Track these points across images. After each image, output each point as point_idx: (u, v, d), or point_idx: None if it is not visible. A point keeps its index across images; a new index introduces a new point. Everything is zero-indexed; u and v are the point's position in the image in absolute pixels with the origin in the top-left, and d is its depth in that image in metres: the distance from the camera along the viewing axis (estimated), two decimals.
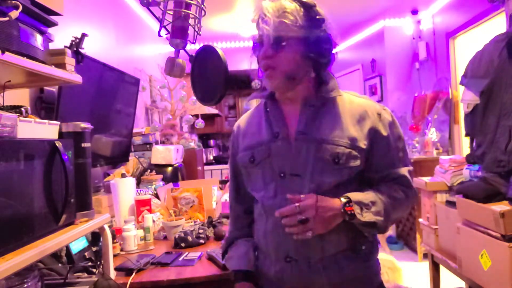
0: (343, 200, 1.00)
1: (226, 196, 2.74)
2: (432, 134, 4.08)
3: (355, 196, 1.01)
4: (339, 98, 1.09)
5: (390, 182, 1.08)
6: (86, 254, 1.52)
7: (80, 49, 1.30)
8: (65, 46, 1.23)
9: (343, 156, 1.02)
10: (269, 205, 1.07)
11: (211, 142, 6.95)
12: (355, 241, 1.05)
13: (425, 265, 3.02)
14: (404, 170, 1.09)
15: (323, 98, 1.08)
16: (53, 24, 1.15)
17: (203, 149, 4.80)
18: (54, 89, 1.85)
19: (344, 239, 1.03)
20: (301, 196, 0.98)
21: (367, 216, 0.99)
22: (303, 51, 1.03)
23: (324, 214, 0.97)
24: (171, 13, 1.22)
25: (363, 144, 1.04)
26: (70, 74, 1.20)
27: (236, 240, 1.23)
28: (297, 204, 0.97)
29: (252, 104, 1.20)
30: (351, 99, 1.10)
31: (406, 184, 1.09)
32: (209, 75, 1.21)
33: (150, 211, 2.02)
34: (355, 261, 1.05)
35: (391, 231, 3.93)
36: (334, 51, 1.08)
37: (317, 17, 1.03)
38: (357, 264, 1.05)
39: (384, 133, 1.06)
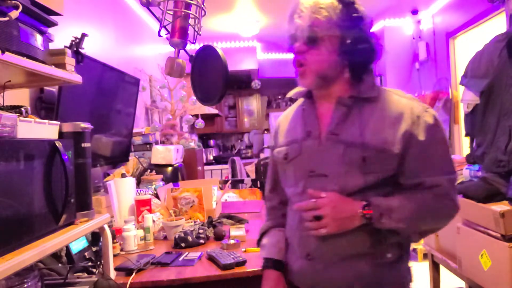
0: (363, 202, 0.97)
1: (226, 196, 2.74)
2: None
3: (376, 200, 0.98)
4: (375, 99, 1.04)
5: (424, 191, 1.00)
6: (86, 254, 1.52)
7: (80, 49, 1.30)
8: (65, 46, 1.23)
9: (370, 160, 0.98)
10: (296, 201, 1.07)
11: (211, 142, 6.95)
12: (379, 246, 1.00)
13: (425, 265, 3.02)
14: (442, 179, 1.00)
15: (357, 98, 1.04)
16: (53, 24, 1.15)
17: (203, 149, 4.80)
18: (54, 89, 1.85)
19: (366, 242, 0.99)
20: (322, 193, 0.99)
21: (386, 222, 0.96)
22: (337, 50, 1.01)
23: (339, 214, 0.97)
24: (171, 13, 1.22)
25: (395, 148, 0.97)
26: (70, 74, 1.20)
27: (269, 229, 1.23)
28: (314, 200, 0.98)
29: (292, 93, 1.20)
30: (390, 100, 1.04)
31: (442, 193, 0.99)
32: (209, 75, 1.21)
33: (150, 211, 2.02)
34: (377, 267, 0.99)
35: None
36: (376, 50, 1.04)
37: (354, 14, 0.99)
38: (378, 270, 1.00)
39: (421, 137, 0.98)
